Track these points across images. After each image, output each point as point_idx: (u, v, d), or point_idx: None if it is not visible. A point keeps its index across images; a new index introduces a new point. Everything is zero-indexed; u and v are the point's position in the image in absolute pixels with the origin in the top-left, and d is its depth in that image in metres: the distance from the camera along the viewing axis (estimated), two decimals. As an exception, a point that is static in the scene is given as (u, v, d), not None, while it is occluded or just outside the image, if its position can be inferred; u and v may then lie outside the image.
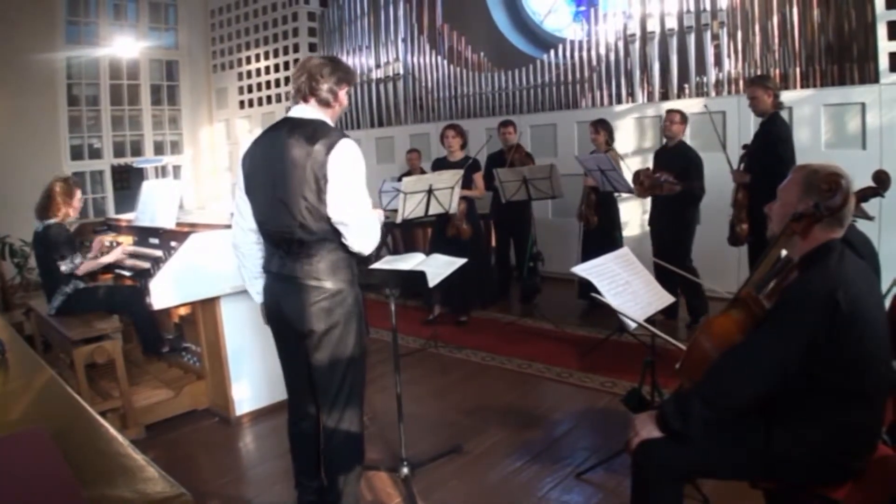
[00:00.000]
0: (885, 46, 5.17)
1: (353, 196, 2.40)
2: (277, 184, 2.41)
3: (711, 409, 1.90)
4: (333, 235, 2.45)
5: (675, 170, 5.04)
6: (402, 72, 8.96)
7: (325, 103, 2.50)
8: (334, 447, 2.63)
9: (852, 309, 1.77)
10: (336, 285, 2.48)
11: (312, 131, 2.39)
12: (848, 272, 1.83)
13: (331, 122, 2.52)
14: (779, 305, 1.91)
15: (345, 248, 2.48)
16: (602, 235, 5.67)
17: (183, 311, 4.32)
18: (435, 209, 5.15)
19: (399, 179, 6.41)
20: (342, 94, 2.53)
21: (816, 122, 5.54)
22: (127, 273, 4.32)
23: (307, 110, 2.50)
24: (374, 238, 2.50)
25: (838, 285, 1.78)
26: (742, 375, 1.88)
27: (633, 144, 6.65)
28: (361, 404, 2.68)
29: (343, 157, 2.37)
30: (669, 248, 5.06)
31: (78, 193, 4.32)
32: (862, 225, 2.75)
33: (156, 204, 4.49)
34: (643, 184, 5.20)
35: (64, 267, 4.11)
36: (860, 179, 2.35)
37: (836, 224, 1.91)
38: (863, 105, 5.29)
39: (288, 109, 2.60)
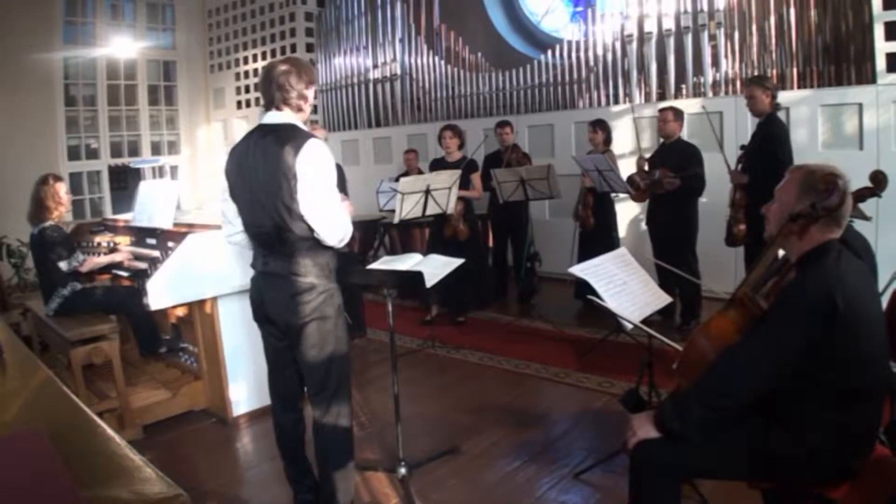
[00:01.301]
0: (882, 47, 5.18)
1: (323, 194, 2.49)
2: (255, 188, 2.52)
3: (709, 409, 1.90)
4: (312, 233, 2.53)
5: (675, 168, 5.02)
6: (399, 72, 8.96)
7: (297, 108, 2.60)
8: (324, 442, 2.68)
9: (850, 309, 1.77)
10: (318, 281, 2.57)
11: (283, 135, 2.48)
12: (845, 272, 1.83)
13: (302, 125, 2.61)
14: (776, 306, 1.91)
15: (324, 244, 2.57)
16: (598, 236, 5.67)
17: (180, 312, 4.32)
18: (432, 210, 5.15)
19: (396, 180, 6.41)
20: (310, 95, 2.64)
21: (814, 122, 5.55)
22: (124, 274, 4.32)
23: (280, 115, 2.59)
24: (345, 232, 2.59)
25: (836, 286, 1.79)
26: (740, 376, 1.88)
27: (630, 145, 6.65)
28: (349, 398, 2.73)
29: (311, 157, 2.45)
30: (670, 247, 5.05)
31: (62, 188, 4.24)
32: (859, 225, 2.76)
33: (153, 204, 4.48)
34: (639, 187, 5.20)
35: (65, 266, 4.09)
36: (857, 180, 2.35)
37: (833, 224, 1.91)
38: (860, 105, 5.29)
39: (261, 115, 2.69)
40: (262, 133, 2.54)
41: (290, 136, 2.47)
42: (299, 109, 2.60)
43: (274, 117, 2.58)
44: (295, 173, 2.42)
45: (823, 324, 1.78)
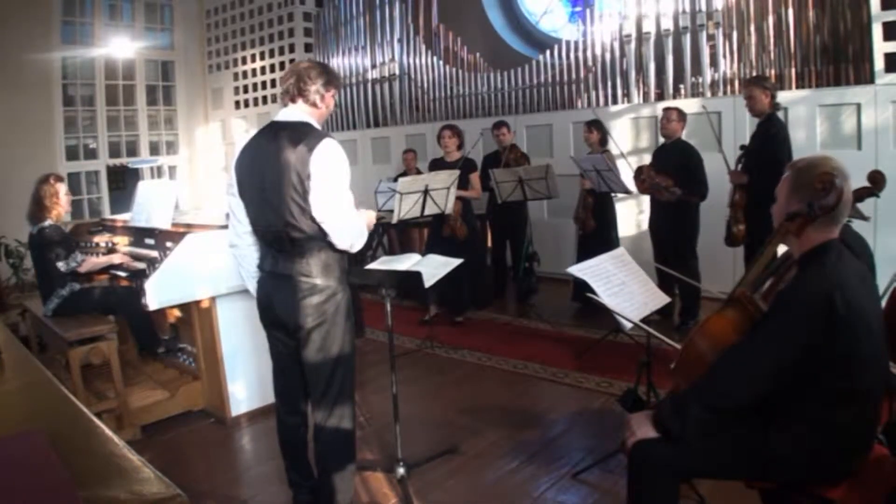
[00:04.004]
0: (880, 47, 5.18)
1: (335, 195, 2.46)
2: (266, 185, 2.48)
3: (708, 409, 1.90)
4: (323, 234, 2.50)
5: (675, 168, 5.02)
6: (397, 72, 8.96)
7: (312, 104, 2.58)
8: (325, 444, 2.67)
9: (849, 310, 1.76)
10: (326, 282, 2.54)
11: (296, 132, 2.46)
12: (845, 273, 1.82)
13: (317, 124, 2.58)
14: (775, 306, 1.90)
15: (334, 246, 2.54)
16: (598, 236, 5.67)
17: (179, 312, 4.31)
18: (431, 210, 5.15)
19: (395, 180, 6.41)
20: (329, 96, 2.62)
21: (812, 122, 5.55)
22: (122, 274, 4.31)
23: (294, 112, 2.57)
24: (358, 236, 2.56)
25: (835, 286, 1.78)
26: (739, 376, 1.88)
27: (628, 145, 6.66)
28: (352, 401, 2.72)
29: (325, 156, 2.42)
30: (672, 252, 5.05)
31: (62, 188, 4.23)
32: (857, 225, 2.76)
33: (151, 204, 4.48)
34: (644, 181, 5.20)
35: (63, 266, 4.09)
36: (855, 180, 2.34)
37: (831, 223, 1.90)
38: (858, 105, 5.30)
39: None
40: (275, 130, 2.51)
41: (305, 134, 2.44)
42: (314, 106, 2.57)
43: (287, 114, 2.56)
44: (309, 172, 2.39)
45: (823, 324, 1.77)
